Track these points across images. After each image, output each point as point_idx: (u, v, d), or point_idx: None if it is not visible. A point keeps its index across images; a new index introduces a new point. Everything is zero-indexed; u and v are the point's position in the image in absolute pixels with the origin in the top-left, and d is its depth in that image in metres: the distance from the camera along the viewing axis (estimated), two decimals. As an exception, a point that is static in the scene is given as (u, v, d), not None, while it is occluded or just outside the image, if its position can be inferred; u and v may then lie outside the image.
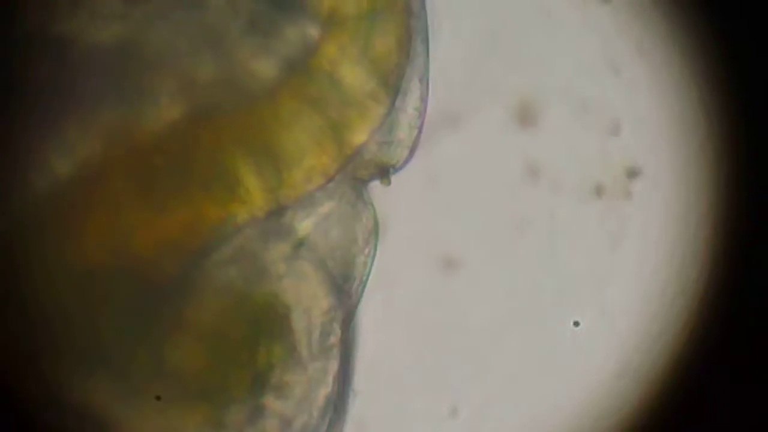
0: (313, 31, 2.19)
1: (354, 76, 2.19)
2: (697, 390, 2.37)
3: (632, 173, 2.38)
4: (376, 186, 2.29)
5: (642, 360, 2.38)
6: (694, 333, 2.37)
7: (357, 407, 2.33)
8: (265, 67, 2.18)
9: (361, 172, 2.25)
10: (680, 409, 2.37)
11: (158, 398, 2.18)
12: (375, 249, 2.27)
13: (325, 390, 2.23)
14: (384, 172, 2.26)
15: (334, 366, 2.23)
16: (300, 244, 2.21)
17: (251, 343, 2.18)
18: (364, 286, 2.27)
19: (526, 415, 2.39)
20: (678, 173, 2.37)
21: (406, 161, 2.28)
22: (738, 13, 2.34)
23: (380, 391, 2.36)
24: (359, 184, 2.26)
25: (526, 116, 2.38)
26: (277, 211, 2.20)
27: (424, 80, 2.26)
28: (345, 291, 2.25)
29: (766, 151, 2.34)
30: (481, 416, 2.39)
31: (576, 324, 2.38)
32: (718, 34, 2.34)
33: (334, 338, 2.23)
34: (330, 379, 2.23)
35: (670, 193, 2.38)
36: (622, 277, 2.38)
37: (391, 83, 2.21)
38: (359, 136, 2.20)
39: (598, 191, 2.38)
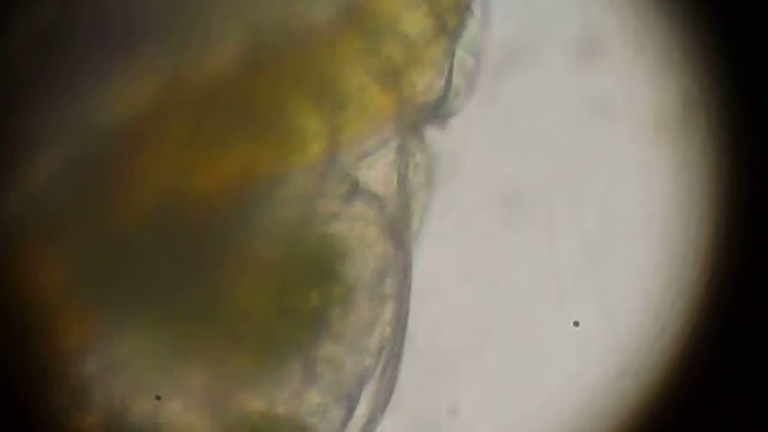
0: None
1: (412, 18, 2.19)
2: (697, 390, 2.38)
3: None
4: (433, 130, 2.25)
5: (642, 360, 2.37)
6: (695, 333, 2.39)
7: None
8: (322, 10, 2.15)
9: (419, 116, 2.22)
10: (680, 409, 2.37)
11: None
12: (430, 195, 2.23)
13: (379, 334, 2.18)
14: (442, 116, 2.23)
15: (389, 310, 2.18)
16: (355, 188, 2.17)
17: (305, 286, 2.13)
18: (420, 232, 2.22)
19: (526, 415, 2.35)
20: (678, 173, 2.41)
21: (464, 104, 2.26)
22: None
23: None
24: (417, 128, 2.23)
25: (585, 54, 2.37)
26: (334, 156, 2.16)
27: (483, 21, 2.26)
28: (400, 236, 2.20)
29: (767, 150, 2.41)
30: (480, 416, 2.34)
31: (576, 324, 2.37)
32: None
33: (389, 283, 2.18)
34: (385, 323, 2.18)
35: (671, 193, 2.42)
36: (623, 277, 2.39)
37: (450, 25, 2.21)
38: (417, 78, 2.19)
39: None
